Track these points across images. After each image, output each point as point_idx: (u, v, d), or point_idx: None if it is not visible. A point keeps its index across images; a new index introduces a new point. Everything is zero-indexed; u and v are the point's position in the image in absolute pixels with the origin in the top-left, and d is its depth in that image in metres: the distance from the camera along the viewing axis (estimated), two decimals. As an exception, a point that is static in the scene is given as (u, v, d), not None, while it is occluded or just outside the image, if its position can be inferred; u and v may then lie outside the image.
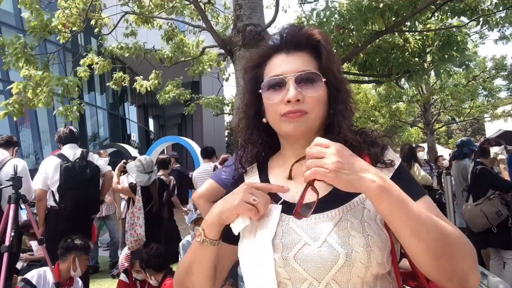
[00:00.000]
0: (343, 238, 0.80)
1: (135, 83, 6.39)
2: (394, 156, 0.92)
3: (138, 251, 3.71)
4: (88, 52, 5.84)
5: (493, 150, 3.99)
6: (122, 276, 3.65)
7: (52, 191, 3.83)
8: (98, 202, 4.19)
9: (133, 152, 11.77)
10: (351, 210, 0.84)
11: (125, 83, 6.33)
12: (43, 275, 3.03)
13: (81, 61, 5.75)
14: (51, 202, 3.84)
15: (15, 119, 4.26)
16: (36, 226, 3.48)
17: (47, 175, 3.81)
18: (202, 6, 4.99)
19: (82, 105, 4.63)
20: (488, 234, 3.85)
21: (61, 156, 3.88)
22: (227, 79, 8.07)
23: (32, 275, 2.99)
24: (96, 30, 5.58)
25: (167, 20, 6.45)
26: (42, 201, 3.82)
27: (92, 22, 5.44)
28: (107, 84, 6.49)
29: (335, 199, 0.87)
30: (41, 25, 4.33)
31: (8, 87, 4.11)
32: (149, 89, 6.33)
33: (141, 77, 6.54)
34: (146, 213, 4.32)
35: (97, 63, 5.72)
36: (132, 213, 4.29)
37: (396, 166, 0.90)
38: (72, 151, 3.93)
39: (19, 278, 3.58)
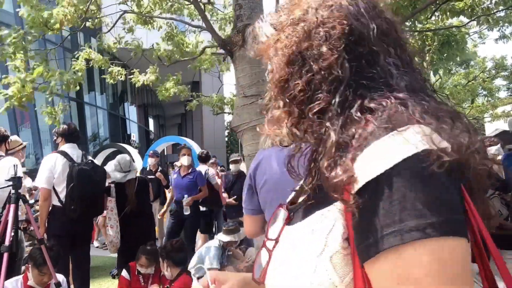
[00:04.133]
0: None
1: (131, 76, 6.37)
2: (379, 154, 0.51)
3: (144, 246, 3.75)
4: (87, 47, 5.83)
5: (490, 150, 3.99)
6: (124, 273, 3.68)
7: (55, 191, 3.77)
8: (102, 205, 4.21)
9: (133, 152, 11.76)
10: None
11: (121, 77, 6.32)
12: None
13: (77, 55, 5.74)
14: (54, 202, 3.79)
15: (19, 108, 4.25)
16: (36, 226, 3.47)
17: (52, 174, 3.75)
18: (202, 6, 4.99)
19: (68, 106, 4.63)
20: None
21: (66, 156, 3.82)
22: (227, 69, 8.07)
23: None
24: (89, 24, 5.55)
25: (167, 20, 6.45)
26: (47, 200, 3.74)
27: (88, 17, 5.41)
28: (103, 76, 6.50)
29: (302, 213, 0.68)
30: (41, 22, 4.31)
31: (3, 80, 4.12)
32: (145, 83, 6.33)
33: (138, 70, 6.54)
34: (124, 214, 4.37)
35: (94, 59, 5.71)
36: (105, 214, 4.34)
37: (365, 180, 0.51)
38: (74, 151, 3.90)
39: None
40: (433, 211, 0.46)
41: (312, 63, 0.62)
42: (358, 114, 0.56)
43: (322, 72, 0.61)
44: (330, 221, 0.57)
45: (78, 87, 4.28)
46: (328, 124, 0.59)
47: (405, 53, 0.66)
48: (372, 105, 0.56)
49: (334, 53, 0.60)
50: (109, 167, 4.52)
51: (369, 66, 0.61)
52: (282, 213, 0.72)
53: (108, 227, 4.27)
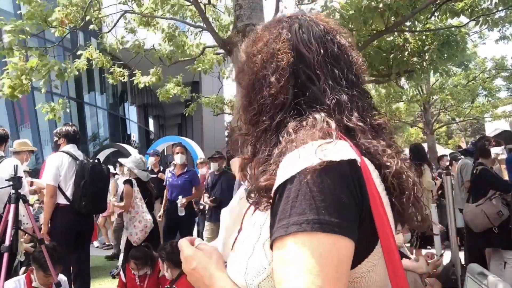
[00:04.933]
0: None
1: (133, 78, 6.38)
2: (287, 165, 0.64)
3: (134, 248, 3.79)
4: (88, 47, 5.84)
5: (494, 150, 3.98)
6: (121, 273, 3.76)
7: (61, 189, 3.77)
8: (107, 203, 4.30)
9: (133, 152, 11.76)
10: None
11: (123, 78, 6.32)
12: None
13: (79, 53, 5.75)
14: (59, 200, 3.79)
15: (11, 99, 4.28)
16: (36, 226, 3.47)
17: (59, 172, 3.77)
18: (203, 7, 4.99)
19: (68, 105, 4.63)
20: (489, 234, 3.85)
21: (71, 155, 3.86)
22: (227, 78, 8.09)
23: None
24: (92, 26, 5.55)
25: (168, 22, 6.45)
26: (53, 197, 3.75)
27: (88, 18, 5.40)
28: (105, 74, 6.52)
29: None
30: (40, 16, 4.29)
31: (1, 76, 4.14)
32: (147, 84, 6.32)
33: (140, 71, 6.54)
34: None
35: (96, 58, 5.72)
36: (132, 206, 4.40)
37: (276, 185, 0.64)
38: (76, 152, 3.94)
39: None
40: (312, 210, 0.58)
41: (264, 90, 0.75)
42: (283, 135, 0.70)
43: (270, 98, 0.74)
44: (265, 215, 0.69)
45: (67, 77, 4.25)
46: (266, 143, 0.74)
47: (352, 73, 0.78)
48: (293, 127, 0.69)
49: (281, 81, 0.73)
50: (128, 163, 4.64)
51: (310, 85, 0.74)
52: (252, 209, 0.83)
53: (144, 213, 4.41)
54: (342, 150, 0.63)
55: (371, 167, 0.67)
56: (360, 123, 0.71)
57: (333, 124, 0.68)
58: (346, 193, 0.60)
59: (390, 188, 0.69)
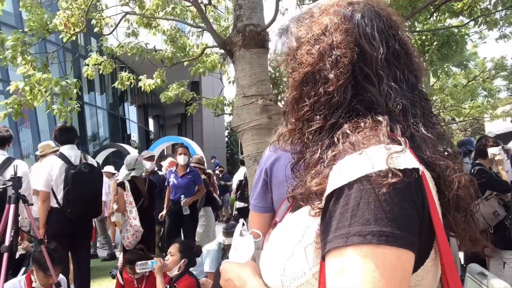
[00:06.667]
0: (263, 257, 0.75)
1: (139, 82, 6.38)
2: (345, 169, 0.60)
3: (128, 252, 3.79)
4: (90, 51, 5.85)
5: (491, 151, 3.97)
6: (118, 275, 3.75)
7: (54, 192, 3.76)
8: (101, 206, 4.24)
9: (133, 152, 11.76)
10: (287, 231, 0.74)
11: (130, 83, 6.34)
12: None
13: (86, 61, 5.76)
14: (52, 203, 3.79)
15: (14, 119, 4.25)
16: (37, 227, 3.47)
17: (50, 177, 3.75)
18: (203, 7, 4.99)
19: (77, 106, 4.60)
20: (486, 234, 3.85)
21: (64, 158, 3.81)
22: (233, 82, 8.08)
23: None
24: (96, 30, 5.56)
25: (169, 23, 6.44)
26: (45, 202, 3.75)
27: (93, 22, 5.41)
28: (113, 85, 6.53)
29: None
30: (40, 24, 4.29)
31: (8, 88, 4.08)
32: (152, 87, 6.33)
33: (145, 75, 6.54)
34: (137, 209, 4.48)
35: (100, 64, 5.73)
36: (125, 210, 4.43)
37: (330, 189, 0.61)
38: (72, 152, 3.89)
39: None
40: (378, 221, 0.54)
41: (320, 86, 0.68)
42: (339, 136, 0.65)
43: (326, 96, 0.68)
44: (310, 217, 0.65)
45: (75, 94, 4.19)
46: (318, 144, 0.68)
47: (412, 74, 0.72)
48: (350, 128, 0.64)
49: (340, 79, 0.66)
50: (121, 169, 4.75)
51: (370, 88, 0.67)
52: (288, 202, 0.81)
53: (131, 219, 4.40)
54: (406, 157, 0.59)
55: (428, 175, 0.63)
56: (426, 133, 0.66)
57: (397, 130, 0.63)
58: (410, 203, 0.57)
59: (445, 202, 0.65)
